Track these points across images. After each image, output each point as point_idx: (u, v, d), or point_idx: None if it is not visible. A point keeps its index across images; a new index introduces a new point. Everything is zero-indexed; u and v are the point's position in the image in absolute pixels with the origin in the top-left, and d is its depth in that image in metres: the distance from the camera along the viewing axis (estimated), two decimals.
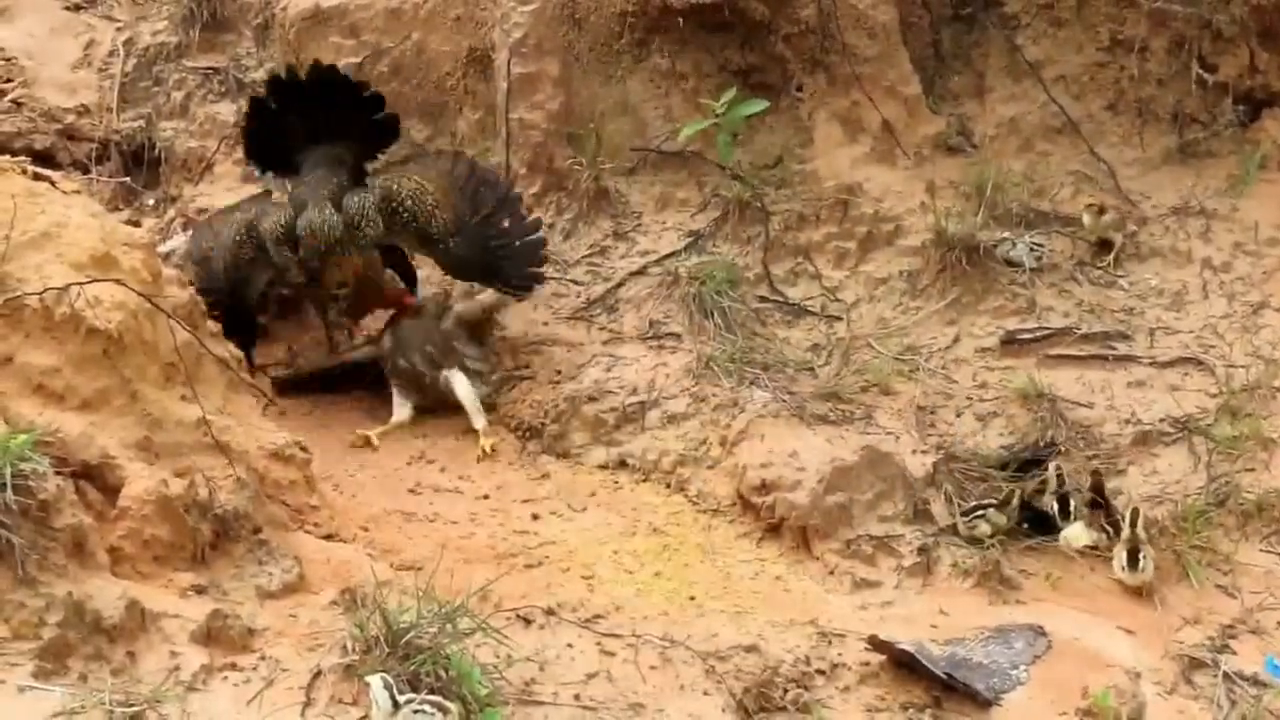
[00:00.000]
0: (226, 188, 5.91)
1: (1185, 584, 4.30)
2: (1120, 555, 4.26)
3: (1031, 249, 5.35)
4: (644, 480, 4.73)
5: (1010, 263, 5.34)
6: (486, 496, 4.63)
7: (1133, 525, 4.27)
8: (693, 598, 4.14)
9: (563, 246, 5.48)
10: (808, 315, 5.34)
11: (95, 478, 3.60)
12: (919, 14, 5.93)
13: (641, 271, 5.39)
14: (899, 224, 5.51)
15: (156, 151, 5.99)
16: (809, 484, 4.41)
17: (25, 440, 3.22)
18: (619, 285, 5.35)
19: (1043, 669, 3.89)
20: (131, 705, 2.97)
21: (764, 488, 4.47)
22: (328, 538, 4.10)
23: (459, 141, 5.90)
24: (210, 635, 3.34)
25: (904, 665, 3.73)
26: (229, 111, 6.04)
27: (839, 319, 5.30)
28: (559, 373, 5.01)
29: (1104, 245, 5.44)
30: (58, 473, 3.34)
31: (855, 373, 4.97)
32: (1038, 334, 5.13)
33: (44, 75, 6.16)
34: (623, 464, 4.80)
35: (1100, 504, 4.41)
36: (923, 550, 4.32)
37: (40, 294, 3.67)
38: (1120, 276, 5.36)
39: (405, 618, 3.28)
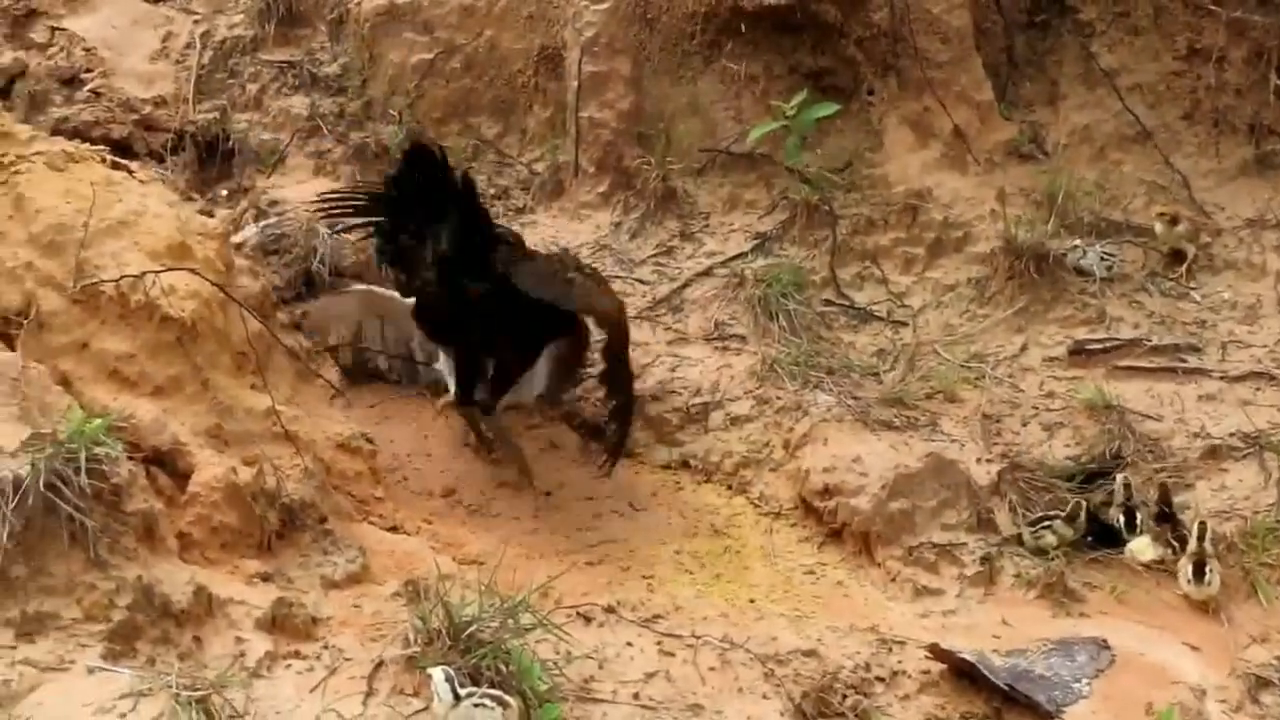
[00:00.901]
0: (298, 180, 5.96)
1: (1253, 601, 4.23)
2: (1186, 569, 4.20)
3: (1102, 258, 5.30)
4: (706, 481, 4.73)
5: (1080, 272, 5.29)
6: (549, 494, 4.64)
7: (1199, 539, 4.21)
8: (753, 600, 4.13)
9: (629, 246, 5.49)
10: (874, 320, 5.31)
11: (166, 464, 3.65)
12: (993, 19, 5.89)
13: (707, 272, 5.39)
14: (968, 230, 5.47)
15: (230, 143, 6.05)
16: (872, 489, 4.39)
17: (99, 425, 3.26)
18: (685, 286, 5.35)
19: (1106, 683, 3.84)
20: (197, 690, 3.00)
21: (826, 492, 4.45)
22: (392, 530, 4.13)
23: (528, 139, 5.93)
24: (275, 623, 3.37)
25: (965, 675, 3.70)
26: (302, 105, 6.10)
27: (905, 324, 5.27)
28: None
29: (1176, 256, 5.37)
30: (130, 458, 3.37)
31: (920, 379, 4.94)
32: (1107, 344, 5.07)
33: (123, 66, 6.24)
34: (685, 464, 4.80)
35: (1168, 517, 4.35)
36: (986, 560, 4.28)
37: (116, 281, 3.72)
38: (1192, 288, 5.30)
39: (467, 611, 3.29)
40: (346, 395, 4.84)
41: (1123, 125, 5.71)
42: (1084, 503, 4.38)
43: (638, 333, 5.15)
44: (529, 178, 5.89)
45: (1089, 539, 4.40)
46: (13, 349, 3.62)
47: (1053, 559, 4.26)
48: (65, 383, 3.66)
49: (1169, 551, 4.29)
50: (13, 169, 3.92)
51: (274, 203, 5.66)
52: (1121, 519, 4.39)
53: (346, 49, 6.21)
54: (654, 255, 5.49)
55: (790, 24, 5.74)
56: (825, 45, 5.76)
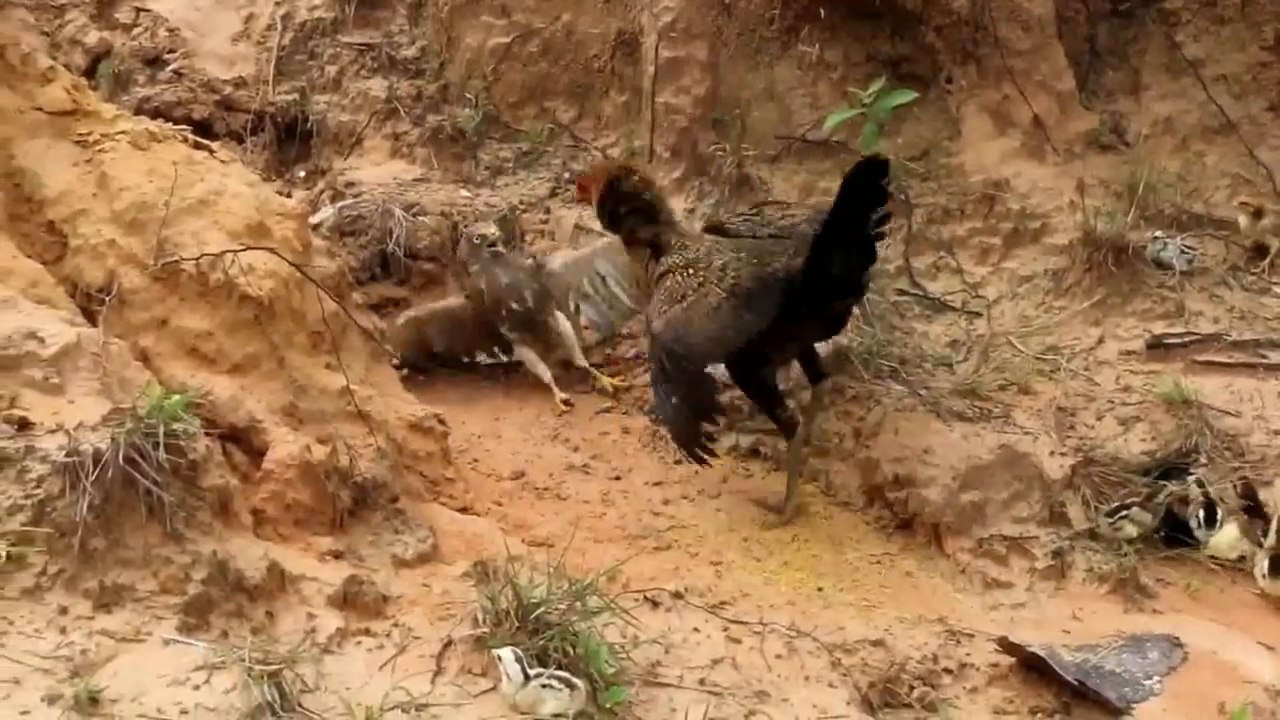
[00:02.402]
0: (375, 162, 6.01)
1: None
2: (1262, 563, 4.14)
3: (1182, 251, 5.23)
4: (776, 470, 4.71)
5: (1160, 264, 5.23)
6: (618, 478, 4.65)
7: (1278, 535, 4.15)
8: (820, 589, 4.12)
9: None
10: (948, 310, 5.29)
11: (242, 440, 3.69)
12: (1075, 8, 5.83)
13: None
14: (1046, 221, 5.42)
15: (309, 124, 6.12)
16: (943, 480, 4.36)
17: (178, 401, 3.30)
18: None
19: (1177, 681, 3.79)
20: (269, 664, 3.03)
21: (897, 482, 4.43)
22: (462, 511, 4.15)
23: (604, 124, 5.94)
24: (346, 600, 3.40)
25: (1034, 669, 3.67)
26: (380, 87, 6.15)
27: (980, 315, 5.23)
28: None
29: (1259, 250, 5.29)
30: (206, 434, 3.41)
31: (994, 370, 4.91)
32: (1186, 339, 5.01)
33: (204, 47, 6.32)
34: (755, 452, 4.79)
35: (1256, 512, 4.28)
36: (1057, 554, 4.24)
37: (196, 259, 3.77)
38: (1275, 283, 5.22)
39: (536, 593, 3.31)
40: (419, 376, 4.91)
41: (1206, 116, 5.63)
42: (1160, 486, 4.32)
43: None
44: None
45: (1162, 535, 4.34)
46: (95, 325, 3.68)
47: (1126, 554, 4.21)
48: (145, 359, 3.71)
49: (1255, 549, 4.22)
50: (97, 147, 3.98)
51: (351, 184, 5.73)
52: (1202, 514, 4.32)
53: (425, 32, 6.25)
54: None
55: (869, 10, 5.70)
56: (904, 32, 5.72)
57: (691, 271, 4.36)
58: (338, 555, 3.60)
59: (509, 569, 3.45)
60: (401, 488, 3.89)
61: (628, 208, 4.57)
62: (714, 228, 4.62)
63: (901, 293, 5.31)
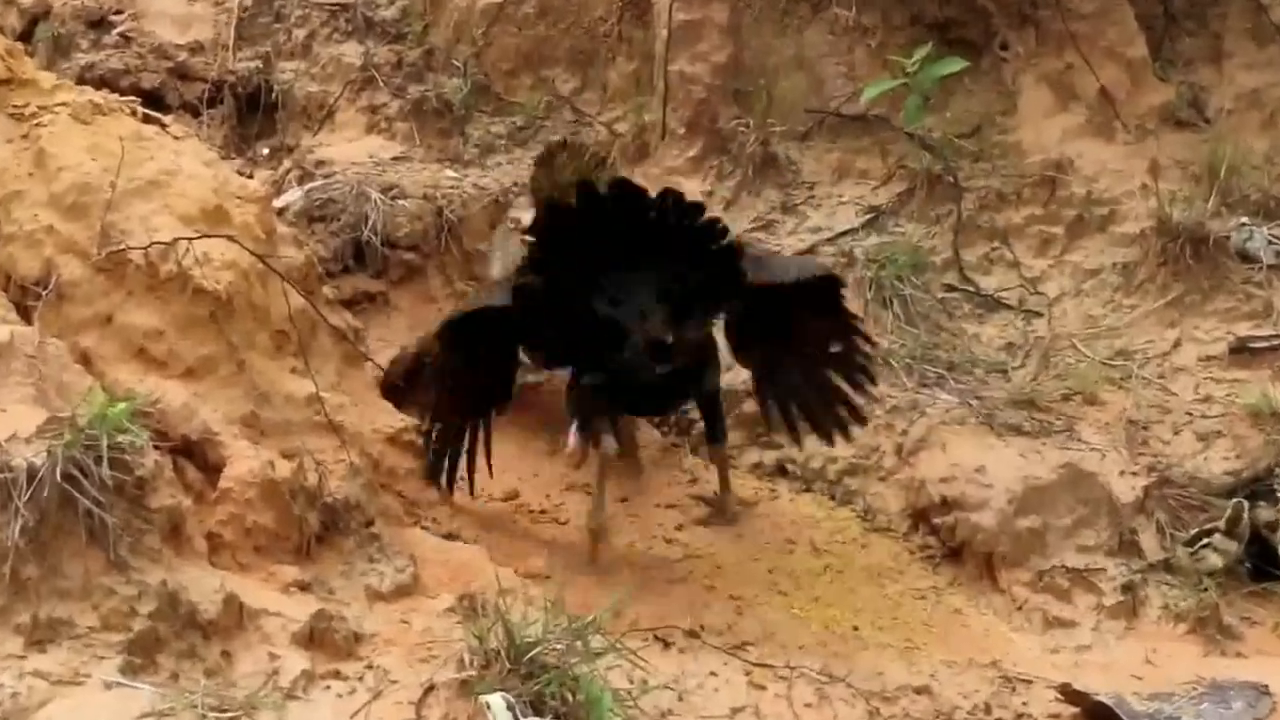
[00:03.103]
0: (348, 138, 6.01)
1: None
2: None
3: (1271, 241, 5.22)
4: (805, 490, 4.71)
5: (1245, 257, 5.22)
6: (625, 500, 4.64)
7: None
8: (856, 628, 4.11)
9: (723, 218, 5.46)
10: (1003, 309, 5.28)
11: (196, 455, 3.69)
12: None
13: (812, 251, 5.36)
14: (1114, 208, 5.42)
15: (274, 95, 6.11)
16: (997, 504, 4.35)
17: (124, 409, 3.29)
18: None
19: None
20: (225, 710, 3.03)
21: (944, 505, 4.42)
22: (447, 536, 4.15)
23: (609, 96, 5.94)
24: (313, 638, 3.39)
25: None
26: (355, 53, 6.15)
27: (1039, 315, 5.23)
28: None
29: None
30: (156, 447, 3.40)
31: (1056, 378, 4.90)
32: (1274, 342, 5.00)
33: (155, 7, 6.32)
34: (782, 470, 4.78)
35: None
36: (1128, 588, 4.23)
37: (145, 249, 3.77)
38: None
39: (530, 631, 3.29)
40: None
41: None
42: (1244, 506, 4.30)
43: None
44: (609, 140, 5.89)
45: (1248, 566, 4.32)
46: (29, 322, 3.68)
47: (1206, 588, 4.19)
48: (86, 361, 3.71)
49: None
50: (34, 121, 3.98)
51: (321, 163, 5.72)
52: None
53: None
54: (751, 230, 5.46)
55: None
56: None
57: None
58: (304, 587, 3.60)
59: (500, 603, 3.42)
60: (377, 510, 3.89)
61: None
62: None
63: (950, 289, 5.30)
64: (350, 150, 5.76)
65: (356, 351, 4.35)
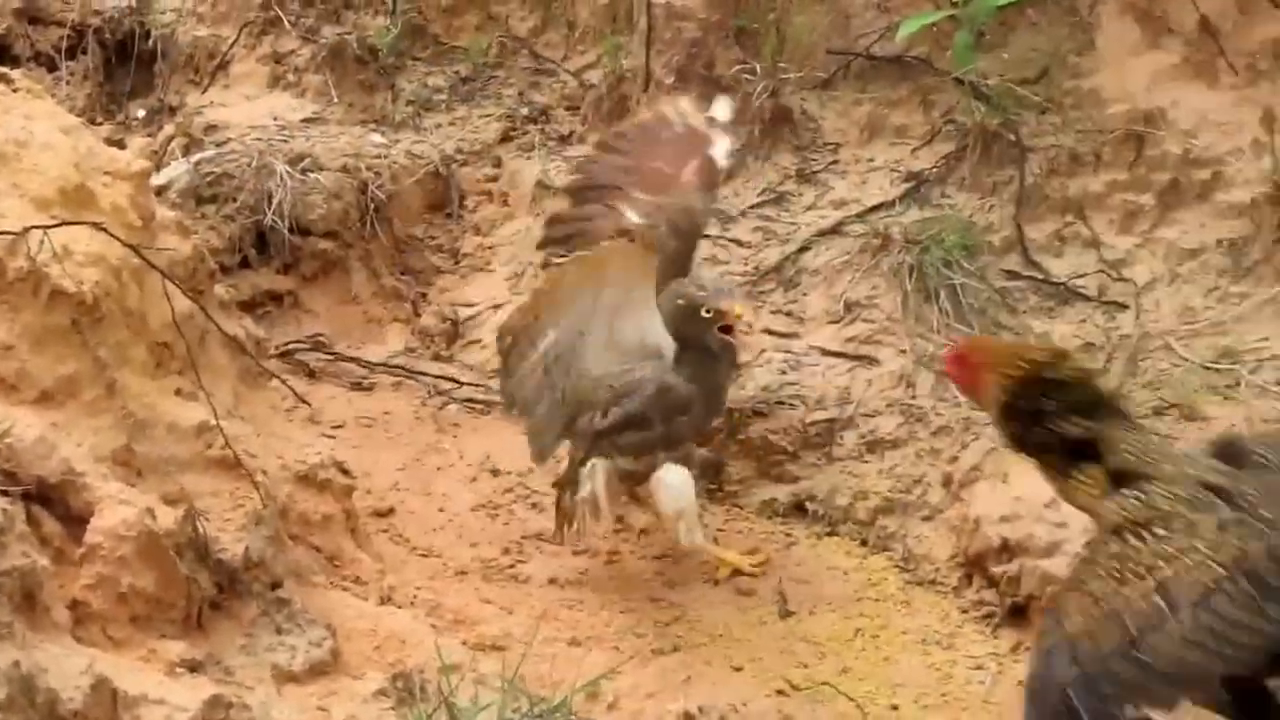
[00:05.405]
0: (246, 95, 6.04)
1: None
2: None
3: None
4: (830, 534, 4.76)
5: None
6: (605, 551, 4.67)
7: None
8: (895, 707, 4.15)
9: (723, 190, 5.49)
10: (1079, 300, 5.29)
11: (55, 501, 3.69)
12: None
13: (836, 230, 5.41)
14: (1219, 170, 5.43)
15: (150, 42, 6.14)
16: (1073, 547, 4.36)
17: None
18: (802, 250, 5.38)
19: None
20: None
21: (1005, 551, 4.46)
22: (380, 601, 4.16)
23: (577, 38, 5.97)
24: None
25: None
26: None
27: (1125, 307, 5.25)
28: None
29: None
30: (3, 493, 3.43)
31: (1146, 386, 4.93)
32: None
33: None
34: (800, 508, 4.83)
35: None
36: None
37: None
38: None
39: (482, 718, 3.33)
40: (311, 405, 4.93)
41: None
42: None
43: None
44: (578, 92, 5.93)
45: None
46: None
47: None
48: None
49: None
50: None
51: (212, 128, 5.76)
52: None
53: None
54: (758, 205, 5.52)
55: None
56: None
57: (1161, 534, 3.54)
58: (194, 667, 3.61)
59: (442, 684, 3.46)
60: (286, 568, 3.90)
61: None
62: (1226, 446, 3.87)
63: (1011, 275, 5.32)
64: (249, 111, 5.80)
65: (259, 367, 4.36)
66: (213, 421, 3.91)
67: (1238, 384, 4.97)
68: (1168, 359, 5.05)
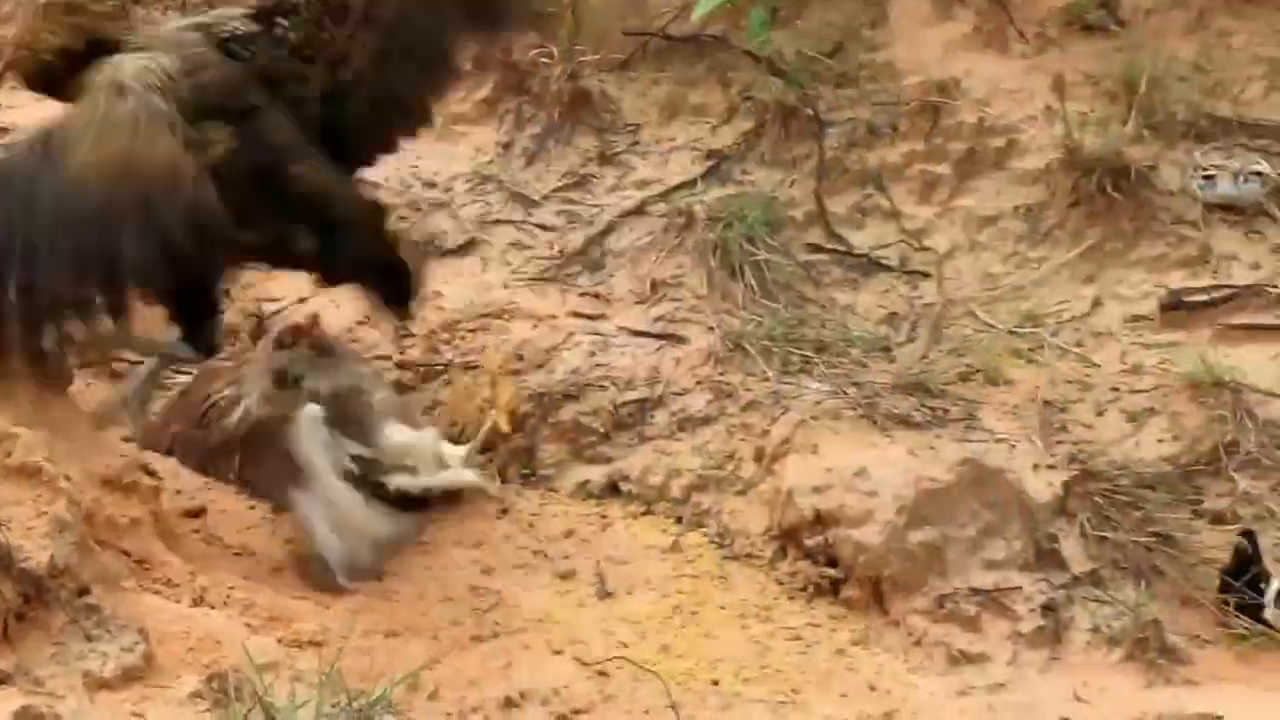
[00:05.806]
0: None
1: None
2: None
3: (1205, 173, 5.34)
4: (645, 513, 4.76)
5: (1175, 193, 5.33)
6: (419, 541, 4.65)
7: None
8: (716, 681, 4.16)
9: (524, 176, 5.50)
10: (881, 271, 5.35)
11: None
12: None
13: (639, 210, 5.42)
14: (1013, 138, 5.50)
15: None
16: (884, 515, 4.42)
17: None
18: (607, 231, 5.38)
19: None
20: None
21: (818, 522, 4.48)
22: (193, 603, 4.12)
23: None
24: None
25: None
26: None
27: (926, 276, 5.31)
28: (521, 359, 5.02)
29: None
30: None
31: (951, 353, 4.99)
32: (1214, 295, 5.14)
33: None
34: (614, 489, 4.83)
35: None
36: (1049, 609, 4.33)
37: None
38: None
39: (300, 716, 3.30)
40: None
41: None
42: None
43: (540, 301, 5.17)
44: None
45: None
46: None
47: (1141, 603, 4.29)
48: None
49: None
50: None
51: None
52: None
53: None
54: (561, 188, 5.51)
55: None
56: None
57: None
58: (2, 679, 3.55)
59: (258, 683, 3.43)
60: (94, 574, 3.84)
61: None
62: None
63: (814, 248, 5.36)
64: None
65: (58, 370, 4.29)
66: (8, 428, 3.84)
67: (1040, 347, 5.05)
68: (971, 325, 5.12)
